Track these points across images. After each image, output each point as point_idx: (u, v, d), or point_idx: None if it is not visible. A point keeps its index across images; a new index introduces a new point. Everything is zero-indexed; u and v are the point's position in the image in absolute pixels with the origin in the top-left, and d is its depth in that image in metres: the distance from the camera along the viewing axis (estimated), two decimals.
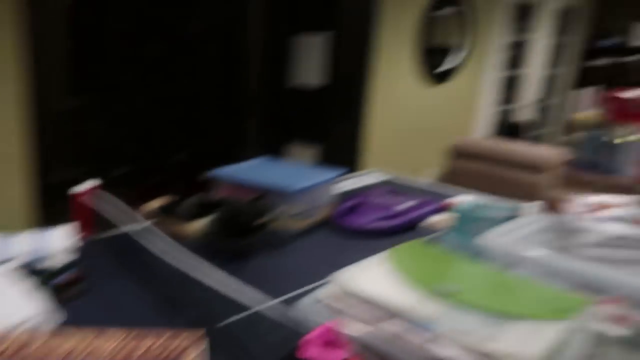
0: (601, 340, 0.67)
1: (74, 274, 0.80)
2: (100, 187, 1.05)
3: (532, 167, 2.18)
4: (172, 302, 0.80)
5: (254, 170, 1.25)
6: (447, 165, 2.82)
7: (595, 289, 0.71)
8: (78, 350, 0.58)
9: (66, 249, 0.79)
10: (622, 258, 0.72)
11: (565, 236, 0.77)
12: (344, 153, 2.89)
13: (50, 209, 1.98)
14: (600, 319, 0.67)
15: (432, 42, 3.69)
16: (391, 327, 0.60)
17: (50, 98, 1.94)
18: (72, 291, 0.79)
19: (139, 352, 0.58)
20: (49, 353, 0.58)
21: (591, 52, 5.31)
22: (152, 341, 0.58)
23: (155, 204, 1.15)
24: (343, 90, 2.80)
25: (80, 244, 0.92)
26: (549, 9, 4.83)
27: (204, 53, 2.70)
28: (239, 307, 0.73)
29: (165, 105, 2.60)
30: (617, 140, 0.99)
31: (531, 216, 0.90)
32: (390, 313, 0.62)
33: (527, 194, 1.73)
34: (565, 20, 5.12)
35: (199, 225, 1.04)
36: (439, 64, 3.86)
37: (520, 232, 0.84)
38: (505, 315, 0.59)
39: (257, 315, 0.73)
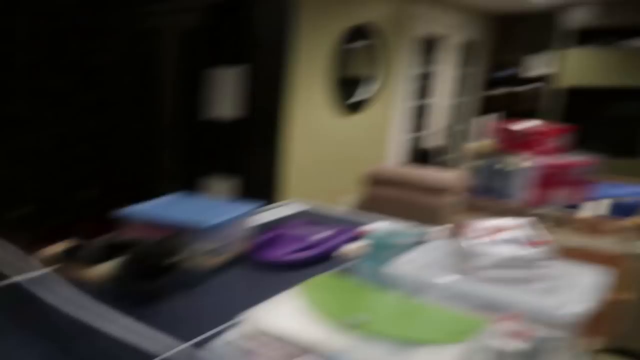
0: (501, 356, 0.70)
1: None
2: None
3: (439, 190, 2.31)
4: (73, 357, 0.75)
5: (166, 207, 1.22)
6: (363, 193, 2.91)
7: (493, 308, 0.76)
8: None
9: None
10: (516, 277, 0.78)
11: (465, 259, 0.81)
12: (262, 185, 2.88)
13: None
14: (498, 336, 0.72)
15: (345, 73, 3.83)
16: None
17: None
18: None
19: None
20: None
21: (491, 83, 5.75)
22: None
23: (58, 247, 1.08)
24: (260, 122, 2.82)
25: None
26: (452, 43, 5.19)
27: (115, 86, 2.62)
28: (146, 355, 0.70)
29: (71, 141, 2.47)
30: (508, 168, 1.07)
31: (436, 241, 0.94)
32: (302, 349, 0.62)
33: (436, 217, 1.82)
34: (467, 53, 5.53)
35: (105, 269, 0.99)
36: (353, 95, 4.00)
37: (426, 257, 0.88)
38: (410, 342, 0.61)
39: None
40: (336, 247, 1.30)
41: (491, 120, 5.57)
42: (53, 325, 0.83)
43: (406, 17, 4.42)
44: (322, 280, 0.82)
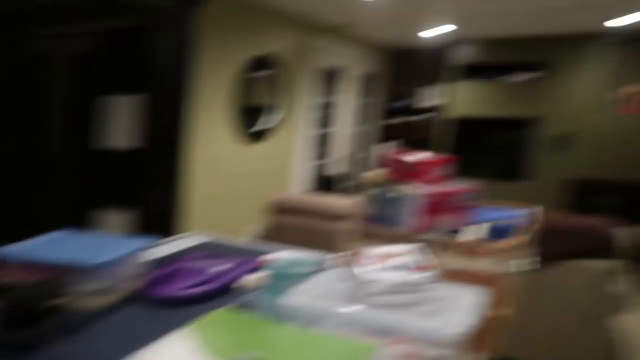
0: None
1: None
2: None
3: (338, 217, 2.37)
4: None
5: (50, 245, 1.13)
6: (267, 221, 2.90)
7: (385, 333, 0.78)
8: None
9: None
10: (405, 302, 0.82)
11: (358, 287, 0.84)
12: (161, 218, 2.78)
13: None
14: (391, 359, 0.74)
15: (249, 102, 3.85)
16: None
17: None
18: None
19: None
20: None
21: (389, 112, 6.07)
22: None
23: None
24: (158, 153, 2.73)
25: None
26: (352, 74, 5.42)
27: None
28: None
29: None
30: (398, 196, 1.14)
31: (332, 269, 0.96)
32: None
33: (336, 244, 1.86)
34: (366, 84, 5.80)
35: None
36: (256, 124, 4.02)
37: (322, 286, 0.89)
38: None
39: None
40: (236, 279, 1.28)
41: (390, 148, 5.86)
42: None
43: (308, 49, 4.55)
44: (217, 315, 0.80)
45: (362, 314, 0.79)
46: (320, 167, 5.22)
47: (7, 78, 2.44)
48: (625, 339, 2.81)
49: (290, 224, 2.74)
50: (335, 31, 4.85)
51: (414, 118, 5.94)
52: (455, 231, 1.26)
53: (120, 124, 2.70)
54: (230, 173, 3.78)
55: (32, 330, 0.88)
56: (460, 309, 0.84)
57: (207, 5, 3.13)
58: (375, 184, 1.24)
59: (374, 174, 1.30)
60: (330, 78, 5.16)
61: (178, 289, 1.16)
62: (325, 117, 5.21)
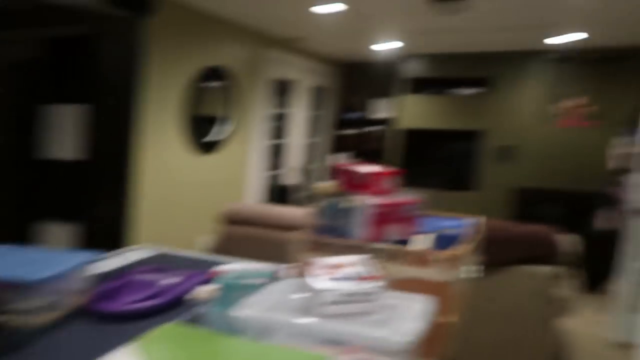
0: None
1: None
2: None
3: (290, 228, 2.37)
4: None
5: None
6: (220, 233, 2.87)
7: (337, 343, 0.79)
8: None
9: None
10: (355, 311, 0.83)
11: (308, 297, 0.85)
12: (109, 230, 2.69)
13: None
14: None
15: (201, 113, 3.80)
16: None
17: None
18: None
19: None
20: None
21: (341, 124, 6.14)
22: None
23: None
24: (106, 164, 2.65)
25: None
26: (304, 86, 5.46)
27: None
28: None
29: None
30: (348, 207, 1.16)
31: (283, 280, 0.97)
32: None
33: (288, 254, 1.86)
34: (318, 96, 5.86)
35: None
36: (208, 134, 3.98)
37: (272, 297, 0.90)
38: None
39: None
40: (186, 292, 1.26)
41: (343, 159, 5.93)
42: None
43: (261, 61, 4.56)
44: (166, 330, 0.79)
45: (314, 324, 0.80)
46: (275, 178, 5.22)
47: None
48: (570, 341, 2.94)
49: (243, 235, 2.72)
50: (288, 44, 4.89)
51: (366, 129, 6.04)
52: (404, 241, 1.30)
53: (65, 134, 2.61)
54: (182, 184, 3.72)
55: None
56: (409, 317, 0.86)
57: (157, 15, 3.09)
58: (327, 195, 1.26)
59: (325, 185, 1.32)
60: (283, 90, 5.19)
61: (125, 303, 1.13)
62: (279, 128, 5.22)
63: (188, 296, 1.25)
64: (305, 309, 0.84)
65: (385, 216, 1.22)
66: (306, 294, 0.86)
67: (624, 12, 3.39)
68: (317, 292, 0.82)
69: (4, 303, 0.88)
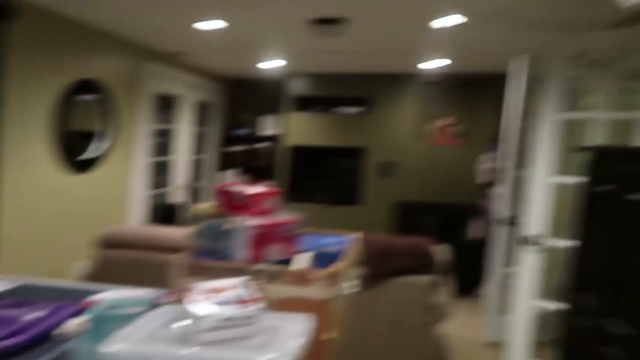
0: None
1: None
2: None
3: (171, 250, 2.30)
4: None
5: None
6: (96, 258, 2.68)
7: None
8: None
9: None
10: (234, 336, 0.83)
11: (186, 324, 0.83)
12: None
13: None
14: None
15: (74, 128, 3.54)
16: None
17: None
18: None
19: None
20: None
21: (229, 140, 6.08)
22: None
23: None
24: None
25: None
26: (189, 102, 5.33)
27: None
28: None
29: None
30: (228, 228, 1.15)
31: (160, 307, 0.93)
32: None
33: (168, 278, 1.80)
34: (203, 112, 5.75)
35: None
36: (84, 151, 3.71)
37: (148, 327, 0.86)
38: None
39: None
40: (54, 326, 1.16)
41: (230, 176, 5.86)
42: None
43: (140, 75, 4.38)
44: None
45: (193, 354, 0.78)
46: (160, 197, 5.00)
47: None
48: (447, 344, 3.16)
49: (121, 259, 2.57)
50: (170, 58, 4.75)
51: (254, 146, 6.04)
52: (286, 260, 1.32)
53: None
54: (54, 206, 3.42)
55: None
56: (291, 337, 0.88)
57: (18, 22, 2.83)
58: (206, 216, 1.24)
59: (204, 206, 1.31)
60: (167, 105, 5.01)
61: None
62: (164, 144, 5.03)
63: (56, 331, 1.15)
64: (184, 338, 0.82)
65: (265, 237, 1.23)
66: (185, 322, 0.84)
67: (481, 43, 3.79)
68: (196, 318, 0.80)
69: None
